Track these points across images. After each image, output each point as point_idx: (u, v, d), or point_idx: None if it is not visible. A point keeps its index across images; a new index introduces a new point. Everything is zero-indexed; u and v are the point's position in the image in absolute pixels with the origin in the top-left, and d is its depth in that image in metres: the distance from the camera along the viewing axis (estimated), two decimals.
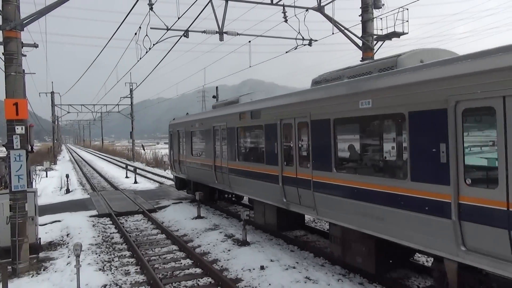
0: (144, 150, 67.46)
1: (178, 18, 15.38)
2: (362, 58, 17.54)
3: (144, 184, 30.78)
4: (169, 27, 16.27)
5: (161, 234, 14.62)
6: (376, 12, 18.11)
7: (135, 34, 17.06)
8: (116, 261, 11.51)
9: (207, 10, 15.44)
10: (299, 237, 13.34)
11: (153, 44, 16.22)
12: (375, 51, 17.96)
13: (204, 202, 18.53)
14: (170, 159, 22.99)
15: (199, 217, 16.64)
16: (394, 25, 18.06)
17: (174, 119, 22.30)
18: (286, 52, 18.21)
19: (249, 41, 19.13)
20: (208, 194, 18.59)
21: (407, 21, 18.14)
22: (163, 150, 72.86)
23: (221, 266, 10.54)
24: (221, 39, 16.52)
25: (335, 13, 17.57)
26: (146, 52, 17.21)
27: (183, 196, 22.35)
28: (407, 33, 18.35)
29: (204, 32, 16.70)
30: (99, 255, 11.97)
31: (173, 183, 31.02)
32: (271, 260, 10.42)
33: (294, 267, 9.94)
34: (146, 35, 16.11)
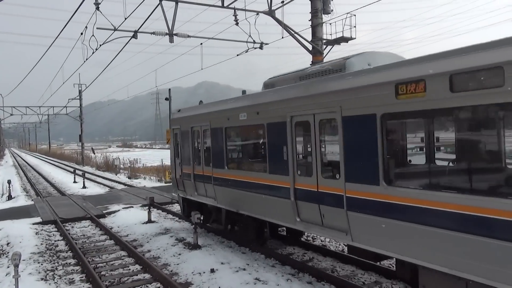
0: (95, 153, 65.19)
1: (125, 19, 15.04)
2: (312, 62, 17.95)
3: (94, 189, 29.73)
4: (116, 28, 15.86)
5: (110, 240, 14.18)
6: (325, 17, 18.62)
7: (81, 34, 16.48)
8: (60, 269, 11.02)
9: (157, 11, 15.16)
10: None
11: (100, 45, 15.76)
12: (324, 55, 18.44)
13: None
14: (174, 171, 15.11)
15: (149, 221, 16.31)
16: (343, 30, 18.66)
17: (179, 110, 14.76)
18: (237, 55, 18.30)
19: (201, 44, 19.04)
20: (254, 231, 11.45)
21: (355, 26, 18.81)
22: (114, 153, 70.82)
23: (171, 271, 10.38)
24: (171, 41, 16.32)
25: (285, 17, 17.88)
26: (93, 53, 16.67)
27: (142, 203, 21.77)
28: (355, 38, 19.01)
29: (153, 33, 16.42)
30: (42, 264, 11.42)
31: (125, 187, 30.25)
32: (222, 263, 10.40)
33: (244, 269, 9.97)
34: (93, 35, 15.61)
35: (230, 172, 11.48)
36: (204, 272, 9.88)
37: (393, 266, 9.98)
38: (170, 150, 15.50)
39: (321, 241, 12.81)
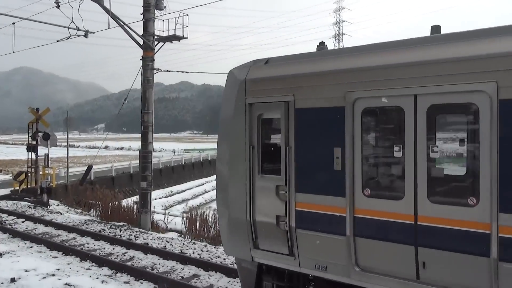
0: None
1: None
2: (142, 57, 17.52)
3: None
4: None
5: None
6: (158, 13, 18.38)
7: None
8: None
9: None
10: (66, 241, 12.36)
11: None
12: (156, 51, 18.20)
13: None
14: (243, 207, 6.67)
15: None
16: (175, 28, 18.71)
17: (268, 61, 6.76)
18: (57, 41, 16.62)
19: (13, 23, 16.71)
20: None
21: (187, 26, 19.08)
22: None
23: None
24: None
25: (116, 6, 17.03)
26: None
27: None
28: (187, 37, 19.29)
29: None
30: None
31: None
32: (26, 270, 9.28)
33: (53, 275, 9.10)
34: None
35: None
36: (2, 283, 8.67)
37: (212, 259, 10.49)
38: (222, 157, 7.16)
39: (144, 239, 12.62)
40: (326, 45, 6.77)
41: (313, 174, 5.96)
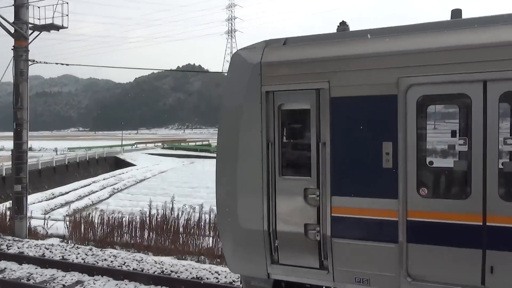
0: None
1: None
2: (14, 47, 15.79)
3: None
4: None
5: None
6: None
7: None
8: None
9: None
10: None
11: None
12: (30, 41, 16.55)
13: None
14: (257, 215, 5.72)
15: None
16: (53, 16, 17.24)
17: (286, 42, 5.80)
18: None
19: None
20: None
21: (67, 15, 17.70)
22: None
23: None
24: None
25: None
26: None
27: None
28: (67, 27, 17.90)
29: None
30: None
31: None
32: None
33: None
34: None
35: None
36: None
37: (97, 262, 9.96)
38: (226, 157, 6.05)
39: (18, 248, 11.46)
40: (348, 25, 5.87)
41: (355, 174, 5.13)
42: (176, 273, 9.24)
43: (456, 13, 5.31)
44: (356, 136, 5.12)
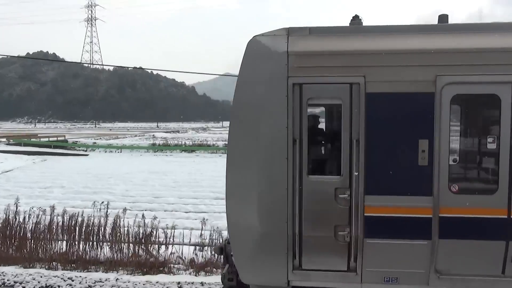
0: None
1: None
2: None
3: None
4: None
5: None
6: None
7: None
8: None
9: None
10: None
11: None
12: None
13: None
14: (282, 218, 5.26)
15: None
16: None
17: (311, 31, 5.35)
18: None
19: None
20: None
21: None
22: None
23: None
24: None
25: None
26: None
27: None
28: None
29: None
30: None
31: None
32: None
33: None
34: None
35: None
36: None
37: None
38: (241, 155, 5.29)
39: None
40: (361, 19, 5.62)
41: (390, 172, 5.03)
42: (20, 283, 8.30)
43: (443, 18, 5.54)
44: (392, 133, 5.06)
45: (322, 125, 5.80)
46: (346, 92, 5.08)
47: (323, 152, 5.59)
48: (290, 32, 5.29)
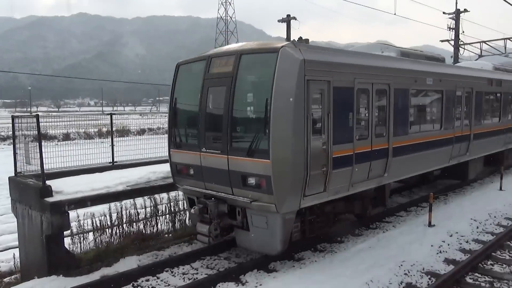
0: None
1: None
2: None
3: None
4: None
5: None
6: None
7: None
8: None
9: None
10: None
11: None
12: None
13: None
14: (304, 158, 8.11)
15: None
16: None
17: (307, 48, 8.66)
18: None
19: None
20: None
21: None
22: None
23: None
24: None
25: None
26: None
27: None
28: None
29: None
30: None
31: None
32: None
33: None
34: None
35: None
36: None
37: None
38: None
39: None
40: (308, 39, 8.61)
41: (342, 131, 8.67)
42: None
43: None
44: (341, 109, 8.57)
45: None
46: (325, 86, 8.08)
47: (316, 123, 8.03)
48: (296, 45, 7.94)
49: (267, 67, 7.46)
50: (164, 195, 11.25)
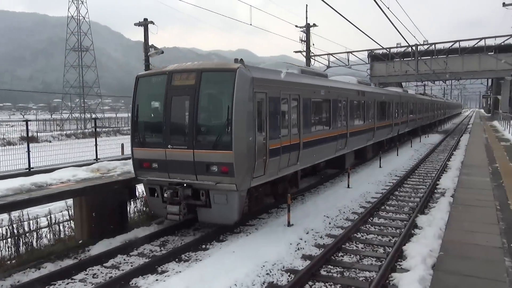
0: None
1: None
2: None
3: None
4: None
5: None
6: None
7: None
8: None
9: None
10: None
11: None
12: None
13: None
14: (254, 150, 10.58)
15: None
16: None
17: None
18: None
19: None
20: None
21: None
22: None
23: None
24: None
25: None
26: None
27: None
28: None
29: None
30: None
31: None
32: None
33: None
34: None
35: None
36: None
37: None
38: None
39: None
40: (242, 60, 10.33)
41: (277, 129, 11.25)
42: None
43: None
44: (281, 113, 11.44)
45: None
46: (264, 96, 10.47)
47: (260, 123, 10.21)
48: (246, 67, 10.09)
49: (227, 82, 9.55)
50: (4, 215, 9.80)
